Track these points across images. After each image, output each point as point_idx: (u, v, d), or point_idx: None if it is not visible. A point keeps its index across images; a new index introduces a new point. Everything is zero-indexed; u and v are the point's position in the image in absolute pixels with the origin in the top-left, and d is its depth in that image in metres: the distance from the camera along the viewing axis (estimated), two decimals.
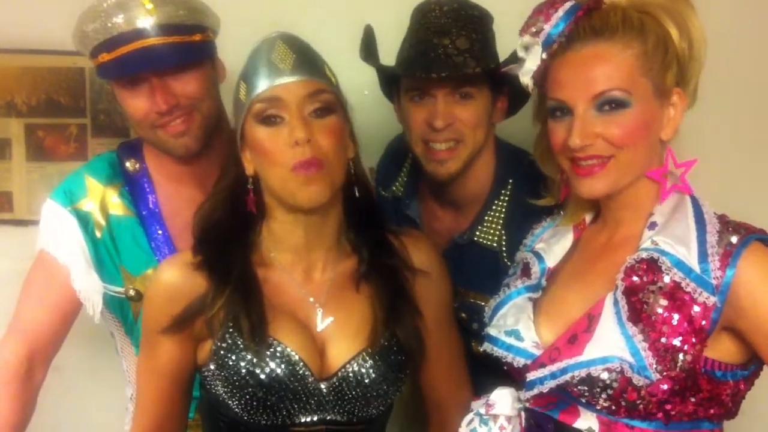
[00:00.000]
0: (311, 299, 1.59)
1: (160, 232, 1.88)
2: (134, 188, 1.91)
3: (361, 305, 1.60)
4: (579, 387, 1.38)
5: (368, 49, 1.96)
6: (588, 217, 1.62)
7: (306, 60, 1.51)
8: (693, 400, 1.38)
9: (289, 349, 1.52)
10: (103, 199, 1.89)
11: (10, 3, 2.39)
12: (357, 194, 1.59)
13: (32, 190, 2.44)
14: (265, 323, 1.53)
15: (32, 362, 1.83)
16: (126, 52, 1.74)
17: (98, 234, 1.87)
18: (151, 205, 1.90)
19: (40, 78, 2.42)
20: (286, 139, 1.47)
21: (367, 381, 1.54)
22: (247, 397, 1.51)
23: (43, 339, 1.85)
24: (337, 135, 1.51)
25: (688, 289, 1.36)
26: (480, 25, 1.88)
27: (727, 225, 1.42)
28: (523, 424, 1.52)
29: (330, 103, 1.51)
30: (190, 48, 1.79)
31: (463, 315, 1.94)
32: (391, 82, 2.00)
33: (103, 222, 1.87)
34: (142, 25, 1.74)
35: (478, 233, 1.95)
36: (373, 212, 1.67)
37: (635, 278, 1.40)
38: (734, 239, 1.38)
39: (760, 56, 2.41)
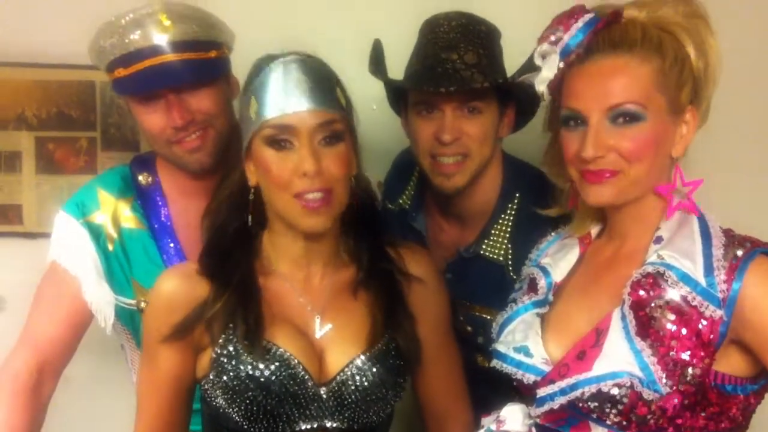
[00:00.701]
0: (309, 307, 1.61)
1: (172, 245, 1.89)
2: (146, 202, 1.92)
3: (360, 311, 1.62)
4: (589, 403, 1.38)
5: (376, 63, 1.96)
6: (594, 232, 1.62)
7: (320, 87, 1.51)
8: (703, 414, 1.38)
9: (287, 353, 1.53)
10: (115, 212, 1.90)
11: (21, 17, 2.40)
12: (357, 207, 1.61)
13: (42, 203, 2.45)
14: (262, 326, 1.54)
15: (42, 374, 1.84)
16: (143, 68, 1.75)
17: (110, 246, 1.88)
18: (163, 219, 1.91)
19: (51, 91, 2.45)
20: (295, 168, 1.49)
21: (366, 384, 1.55)
22: (247, 402, 1.51)
23: (53, 351, 1.85)
24: (345, 162, 1.53)
25: (695, 303, 1.36)
26: (487, 40, 1.89)
27: (732, 239, 1.42)
28: None
29: (340, 131, 1.52)
30: (206, 64, 1.80)
31: (469, 328, 1.94)
32: (399, 96, 2.01)
33: (115, 235, 1.88)
34: (159, 42, 1.75)
35: (484, 246, 1.95)
36: (374, 221, 1.68)
37: (642, 292, 1.40)
38: (740, 253, 1.38)
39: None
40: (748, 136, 2.41)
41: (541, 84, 1.51)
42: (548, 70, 1.49)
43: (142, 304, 1.85)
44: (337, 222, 1.59)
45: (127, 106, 1.89)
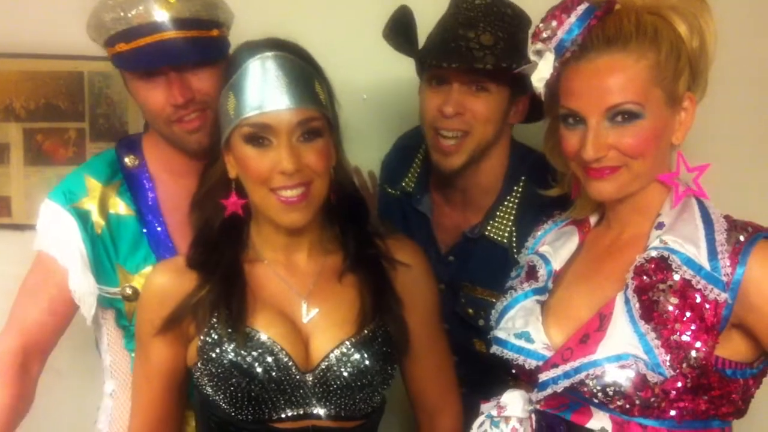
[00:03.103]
0: (296, 293, 1.62)
1: (159, 228, 1.88)
2: (132, 184, 1.89)
3: (347, 296, 1.63)
4: (593, 386, 1.39)
5: (396, 29, 1.94)
6: (593, 220, 1.63)
7: (298, 84, 1.51)
8: (705, 398, 1.39)
9: (270, 340, 1.54)
10: (102, 198, 1.87)
11: (10, 7, 2.38)
12: (339, 197, 1.62)
13: (31, 195, 2.43)
14: (244, 313, 1.56)
15: (27, 354, 1.82)
16: (145, 43, 1.73)
17: (98, 231, 1.86)
18: (149, 202, 1.89)
19: (39, 82, 2.43)
20: (273, 165, 1.50)
21: (351, 369, 1.56)
22: (232, 389, 1.53)
23: (36, 333, 1.83)
24: (324, 156, 1.54)
25: (699, 287, 1.37)
26: (511, 24, 1.87)
27: (734, 224, 1.44)
28: (534, 426, 1.52)
29: (319, 128, 1.53)
30: (209, 43, 1.79)
31: (470, 311, 1.95)
32: (421, 66, 1.99)
33: (102, 221, 1.86)
34: (162, 18, 1.73)
35: (489, 228, 1.95)
36: (358, 210, 1.69)
37: (645, 277, 1.41)
38: (742, 237, 1.40)
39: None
40: (746, 123, 2.41)
41: (538, 83, 1.52)
42: (544, 69, 1.49)
43: (128, 290, 1.84)
44: (320, 211, 1.60)
45: (125, 83, 1.86)
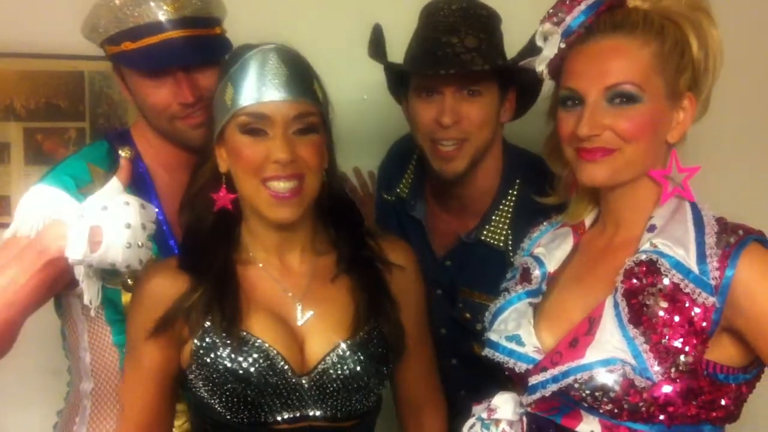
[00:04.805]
0: (290, 294, 1.62)
1: (160, 218, 1.86)
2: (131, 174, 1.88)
3: (342, 298, 1.63)
4: (581, 390, 1.39)
5: (376, 46, 1.97)
6: (588, 222, 1.62)
7: (297, 78, 1.53)
8: (695, 402, 1.38)
9: (266, 344, 1.54)
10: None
11: (10, 7, 2.39)
12: (331, 199, 1.63)
13: None
14: (238, 316, 1.55)
15: None
16: (152, 43, 1.73)
17: None
18: (149, 192, 1.87)
19: (40, 82, 2.43)
20: (267, 155, 1.50)
21: (347, 372, 1.56)
22: (227, 393, 1.53)
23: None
24: (318, 151, 1.55)
25: (687, 290, 1.37)
26: (488, 24, 1.90)
27: (725, 226, 1.43)
28: (525, 429, 1.52)
29: (315, 124, 1.54)
30: (214, 42, 1.79)
31: (468, 315, 1.96)
32: (399, 81, 2.01)
33: None
34: (169, 17, 1.73)
35: (485, 232, 1.96)
36: (351, 212, 1.70)
37: (635, 280, 1.41)
38: (732, 240, 1.39)
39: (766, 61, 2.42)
40: (743, 125, 2.41)
41: (541, 63, 1.52)
42: (549, 50, 1.50)
43: (129, 281, 1.82)
44: (311, 211, 1.61)
45: (122, 79, 1.86)
